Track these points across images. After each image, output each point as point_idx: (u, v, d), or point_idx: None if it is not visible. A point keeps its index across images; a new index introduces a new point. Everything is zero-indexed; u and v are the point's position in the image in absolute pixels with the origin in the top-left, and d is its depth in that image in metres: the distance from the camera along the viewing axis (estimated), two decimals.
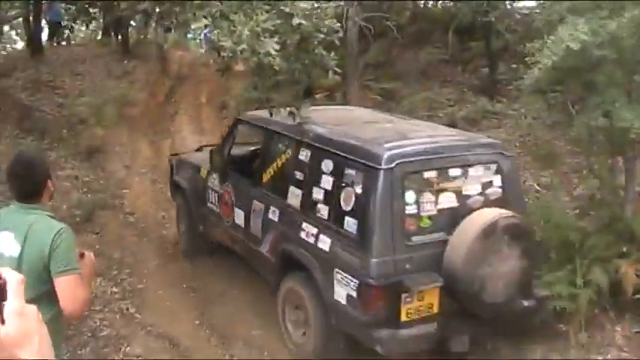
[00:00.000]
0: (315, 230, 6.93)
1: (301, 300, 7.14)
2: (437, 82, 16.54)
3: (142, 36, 22.45)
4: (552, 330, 7.77)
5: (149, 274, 9.55)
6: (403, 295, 6.15)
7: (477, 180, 6.76)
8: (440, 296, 6.35)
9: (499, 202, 6.74)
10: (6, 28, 25.08)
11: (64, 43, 22.02)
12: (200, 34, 21.94)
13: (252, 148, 9.13)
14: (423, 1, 21.83)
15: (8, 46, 24.98)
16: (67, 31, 20.30)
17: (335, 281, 6.52)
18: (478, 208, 6.56)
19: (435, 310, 6.37)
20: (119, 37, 19.96)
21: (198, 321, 8.37)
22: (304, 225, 7.08)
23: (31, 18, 18.22)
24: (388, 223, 6.27)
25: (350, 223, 6.52)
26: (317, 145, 7.20)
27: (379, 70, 16.83)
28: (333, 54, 6.00)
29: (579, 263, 7.89)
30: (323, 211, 6.92)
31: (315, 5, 5.67)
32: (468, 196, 6.68)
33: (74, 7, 7.71)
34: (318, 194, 7.01)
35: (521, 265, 6.49)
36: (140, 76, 17.53)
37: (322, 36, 5.67)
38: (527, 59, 7.66)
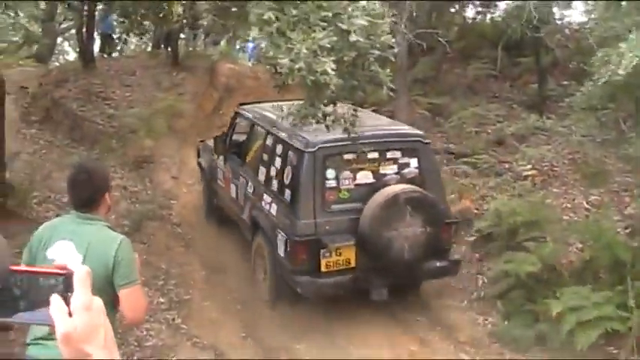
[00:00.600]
0: (269, 199, 8.78)
1: (263, 252, 8.91)
2: (485, 98, 16.44)
3: (190, 48, 22.68)
4: (603, 352, 7.63)
5: (195, 285, 9.62)
6: (322, 251, 7.90)
7: (394, 162, 8.42)
8: (356, 254, 8.00)
9: (415, 181, 8.31)
10: (59, 39, 25.56)
11: (115, 54, 22.34)
12: (249, 47, 22.16)
13: (244, 134, 10.59)
14: (471, 16, 21.65)
15: (61, 57, 25.44)
16: (119, 44, 20.62)
17: (278, 239, 8.30)
18: (393, 184, 8.17)
19: (353, 264, 8.04)
20: (169, 49, 20.15)
21: (244, 333, 8.39)
22: (264, 196, 8.95)
23: (83, 30, 18.49)
24: (310, 194, 8.09)
25: (287, 194, 8.39)
26: (274, 132, 9.11)
27: (427, 85, 16.79)
28: (388, 70, 6.00)
29: (631, 284, 7.75)
30: (274, 184, 8.81)
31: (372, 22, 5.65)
32: (385, 175, 8.35)
33: (128, 21, 7.85)
34: (273, 172, 8.91)
35: (426, 231, 7.94)
36: (189, 88, 17.68)
37: (377, 53, 5.67)
38: (584, 73, 7.65)
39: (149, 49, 24.06)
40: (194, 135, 14.26)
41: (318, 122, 7.32)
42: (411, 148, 8.53)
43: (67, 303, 1.26)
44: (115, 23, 20.58)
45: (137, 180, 13.07)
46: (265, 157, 9.26)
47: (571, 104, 11.67)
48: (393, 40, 5.99)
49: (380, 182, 8.25)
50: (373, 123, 9.11)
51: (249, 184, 9.58)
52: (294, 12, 5.37)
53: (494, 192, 12.14)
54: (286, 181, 8.45)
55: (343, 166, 8.23)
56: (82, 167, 4.26)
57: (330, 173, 8.18)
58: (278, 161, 8.81)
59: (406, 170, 8.43)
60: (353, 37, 5.36)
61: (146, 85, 17.75)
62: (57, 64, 23.88)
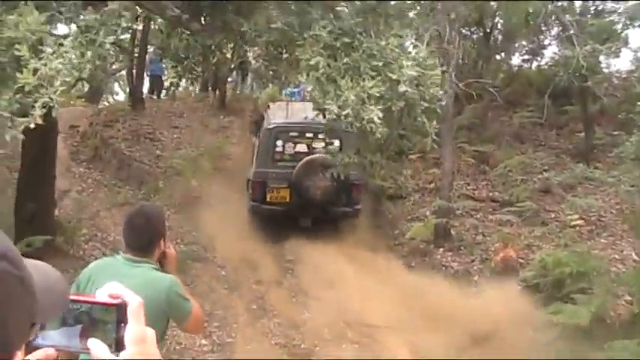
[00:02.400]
0: (251, 159, 13.83)
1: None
2: (531, 146, 16.32)
3: (237, 91, 22.95)
4: None
5: (238, 329, 9.62)
6: (267, 189, 12.64)
7: (322, 140, 12.72)
8: (290, 194, 12.56)
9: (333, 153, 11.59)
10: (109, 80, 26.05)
11: (163, 97, 22.71)
12: (295, 91, 22.31)
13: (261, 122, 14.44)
14: (517, 63, 21.63)
15: (111, 97, 25.94)
16: (169, 87, 21.00)
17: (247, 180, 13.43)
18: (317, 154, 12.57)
19: (287, 200, 12.59)
20: (216, 92, 20.44)
21: None
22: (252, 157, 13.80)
23: (133, 71, 18.89)
24: (264, 154, 12.97)
25: (255, 154, 13.45)
26: (263, 117, 14.15)
27: (473, 133, 16.72)
28: (434, 123, 6.01)
29: None
30: (254, 149, 13.79)
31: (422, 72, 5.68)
32: (315, 148, 12.86)
33: (180, 66, 8.06)
34: (256, 142, 13.87)
35: (332, 185, 12.05)
36: (236, 131, 17.90)
37: (426, 104, 5.68)
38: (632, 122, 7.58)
39: (196, 90, 24.39)
40: (240, 177, 14.38)
41: None
42: (336, 133, 11.27)
43: (121, 334, 1.26)
44: (164, 65, 20.98)
45: (183, 221, 13.17)
46: (257, 133, 14.11)
47: (620, 154, 11.55)
48: (441, 92, 5.99)
49: (310, 152, 12.79)
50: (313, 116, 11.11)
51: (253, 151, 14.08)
52: (345, 60, 5.43)
53: (539, 241, 12.01)
54: (256, 147, 13.60)
55: (288, 140, 13.03)
56: (141, 211, 4.27)
57: (279, 143, 13.01)
58: (259, 135, 13.73)
59: (330, 147, 12.33)
60: (402, 88, 5.39)
61: (194, 127, 18.01)
62: (106, 103, 24.38)
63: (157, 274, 4.09)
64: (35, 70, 4.68)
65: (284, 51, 6.35)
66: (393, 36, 5.68)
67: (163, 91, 22.97)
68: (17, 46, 4.71)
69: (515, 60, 21.66)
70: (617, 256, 11.29)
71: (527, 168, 14.99)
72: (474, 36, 18.98)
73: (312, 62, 5.32)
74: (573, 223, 12.40)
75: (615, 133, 15.11)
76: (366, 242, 12.35)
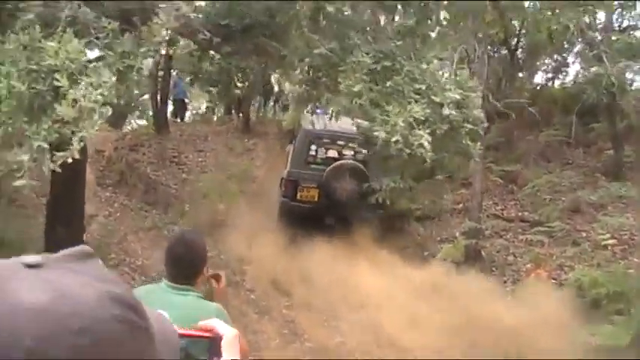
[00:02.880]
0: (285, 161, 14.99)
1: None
2: (558, 165, 16.17)
3: (260, 114, 23.02)
4: None
5: (270, 354, 9.53)
6: (298, 187, 13.68)
7: (352, 148, 13.91)
8: (319, 193, 13.57)
9: (361, 161, 13.49)
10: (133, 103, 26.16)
11: (187, 120, 22.80)
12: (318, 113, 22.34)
13: None
14: (540, 82, 21.55)
15: (133, 122, 26.02)
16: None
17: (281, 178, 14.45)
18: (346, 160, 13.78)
19: (316, 199, 13.59)
20: (240, 114, 20.49)
21: None
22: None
23: (158, 95, 18.97)
24: (298, 156, 14.07)
25: (290, 156, 14.48)
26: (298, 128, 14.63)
27: (499, 152, 16.60)
28: (478, 144, 5.94)
29: None
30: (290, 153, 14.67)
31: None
32: (345, 154, 14.02)
33: (216, 90, 8.08)
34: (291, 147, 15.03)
35: (357, 189, 13.09)
36: (260, 153, 17.91)
37: (469, 126, 5.60)
38: None
39: (219, 113, 24.49)
40: (266, 200, 14.35)
41: None
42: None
43: None
44: (186, 89, 21.07)
45: (210, 245, 13.03)
46: (293, 140, 15.07)
47: None
48: (483, 113, 5.91)
49: (340, 157, 13.93)
50: (347, 126, 11.62)
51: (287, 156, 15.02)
52: (388, 84, 5.37)
53: (571, 261, 11.85)
54: (291, 151, 14.56)
55: (321, 145, 14.13)
56: (183, 239, 4.18)
57: (313, 148, 14.15)
58: (294, 141, 14.68)
59: (357, 155, 13.79)
60: (446, 110, 5.32)
61: (218, 150, 18.04)
62: (129, 128, 24.47)
63: (204, 302, 4.01)
64: (74, 101, 4.65)
65: (324, 76, 6.29)
66: (434, 58, 5.63)
67: (187, 114, 23.06)
68: (56, 75, 4.69)
69: (538, 78, 21.59)
70: None
71: (555, 187, 14.85)
72: (497, 55, 18.90)
73: (355, 89, 5.26)
74: (605, 242, 12.21)
75: None
76: (396, 263, 12.24)
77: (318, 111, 22.27)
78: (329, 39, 5.76)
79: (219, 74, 7.74)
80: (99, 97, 4.72)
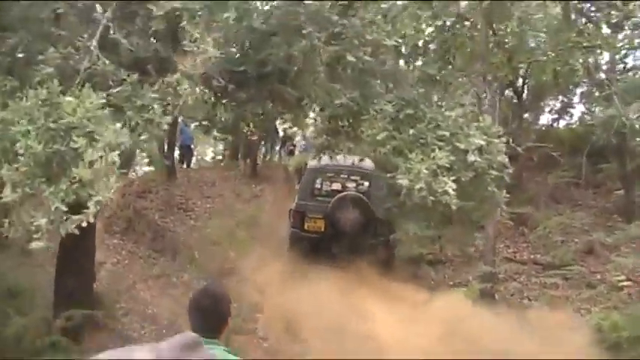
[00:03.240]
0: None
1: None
2: (568, 206, 16.08)
3: (267, 158, 23.02)
4: None
5: None
6: (305, 218, 14.19)
7: (354, 181, 14.50)
8: (325, 224, 13.93)
9: (364, 192, 14.09)
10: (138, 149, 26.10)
11: (193, 165, 22.77)
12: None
13: None
14: (545, 123, 21.58)
15: (139, 168, 25.98)
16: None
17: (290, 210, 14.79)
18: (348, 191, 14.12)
19: (322, 229, 13.98)
20: (247, 160, 20.49)
21: None
22: None
23: (165, 141, 18.97)
24: (304, 189, 14.73)
25: (297, 188, 15.60)
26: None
27: (509, 194, 16.46)
28: (504, 192, 5.86)
29: None
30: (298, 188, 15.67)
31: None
32: (347, 186, 14.40)
33: (232, 137, 8.08)
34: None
35: (361, 219, 13.46)
36: (268, 198, 17.85)
37: (495, 172, 5.53)
38: None
39: (225, 158, 24.48)
40: (276, 246, 14.25)
41: None
42: (366, 175, 14.23)
43: None
44: (192, 135, 21.08)
45: None
46: (300, 178, 16.33)
47: None
48: (507, 159, 5.83)
49: (343, 189, 14.38)
50: (349, 161, 13.13)
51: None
52: (411, 131, 5.32)
53: (587, 304, 11.69)
54: (299, 186, 15.67)
55: (325, 179, 14.73)
56: (209, 292, 4.10)
57: (318, 181, 14.75)
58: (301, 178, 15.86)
59: (360, 187, 14.41)
60: (471, 157, 5.25)
61: (226, 196, 17.96)
62: (134, 174, 24.42)
63: (230, 356, 3.94)
64: (91, 163, 4.58)
65: (346, 125, 6.22)
66: (457, 105, 5.58)
67: (193, 160, 23.04)
68: (74, 134, 4.63)
69: (543, 119, 21.63)
70: None
71: (567, 228, 14.77)
72: (503, 97, 18.92)
73: (379, 137, 5.21)
74: (621, 284, 12.08)
75: None
76: (410, 308, 12.07)
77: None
78: (350, 87, 5.70)
79: (235, 121, 7.69)
80: (116, 158, 4.65)
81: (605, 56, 16.81)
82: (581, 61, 15.31)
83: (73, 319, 9.88)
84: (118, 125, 4.80)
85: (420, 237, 12.65)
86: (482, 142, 5.37)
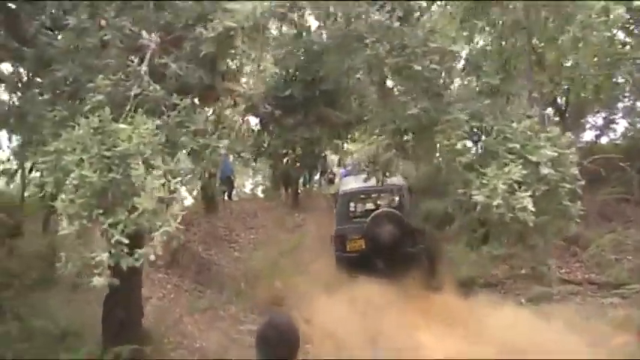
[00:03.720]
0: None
1: None
2: (620, 223, 15.66)
3: (307, 186, 22.90)
4: None
5: None
6: (346, 240, 15.03)
7: (385, 198, 16.11)
8: (365, 242, 14.77)
9: (396, 207, 15.42)
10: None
11: (234, 197, 22.68)
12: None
13: None
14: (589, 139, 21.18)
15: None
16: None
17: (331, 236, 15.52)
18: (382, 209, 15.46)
19: (363, 247, 14.78)
20: (288, 190, 20.38)
21: None
22: None
23: (206, 173, 18.92)
24: (341, 214, 15.81)
25: (335, 213, 16.27)
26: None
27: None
28: (579, 204, 5.61)
29: None
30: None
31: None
32: (380, 204, 16.19)
33: (281, 165, 7.97)
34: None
35: (396, 232, 14.43)
36: (311, 227, 17.69)
37: (568, 186, 5.29)
38: None
39: (266, 190, 24.41)
40: (323, 275, 14.03)
41: None
42: (395, 190, 15.37)
43: None
44: (232, 167, 21.01)
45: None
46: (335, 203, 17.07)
47: None
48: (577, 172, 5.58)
49: (376, 208, 15.98)
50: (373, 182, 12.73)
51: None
52: (480, 144, 5.11)
53: None
54: (335, 211, 16.34)
55: (359, 201, 16.80)
56: (273, 324, 3.94)
57: (352, 204, 16.53)
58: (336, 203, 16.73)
59: (392, 203, 15.84)
60: (544, 170, 5.02)
61: (268, 227, 17.84)
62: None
63: None
64: (151, 191, 4.43)
65: (415, 137, 6.01)
66: (523, 116, 5.37)
67: (234, 192, 22.96)
68: (133, 165, 4.48)
69: (587, 136, 21.24)
70: None
71: (620, 246, 14.37)
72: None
73: (458, 146, 5.02)
74: None
75: None
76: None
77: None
78: (415, 100, 5.51)
79: (284, 147, 7.54)
80: (178, 186, 4.50)
81: None
82: (625, 75, 15.03)
83: (122, 355, 9.73)
84: (180, 153, 4.66)
85: (472, 259, 12.33)
86: (554, 154, 5.14)
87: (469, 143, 5.18)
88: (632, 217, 16.07)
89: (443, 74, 5.53)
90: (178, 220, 4.52)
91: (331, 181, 24.29)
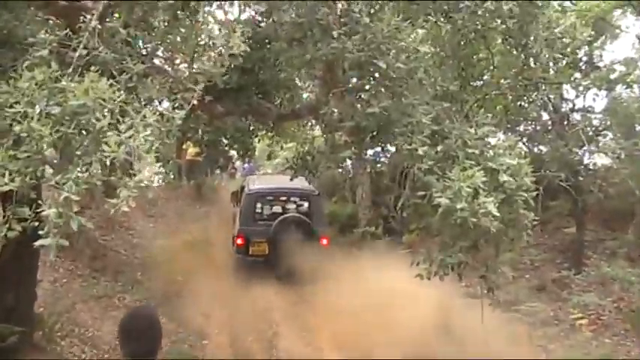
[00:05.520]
0: (233, 218, 16.53)
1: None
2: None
3: (207, 177, 22.61)
4: None
5: None
6: (249, 242, 14.56)
7: (294, 202, 15.58)
8: (268, 247, 14.45)
9: (305, 213, 15.08)
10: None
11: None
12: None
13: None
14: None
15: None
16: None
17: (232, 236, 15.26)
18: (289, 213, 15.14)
19: (266, 252, 14.46)
20: (191, 182, 20.00)
21: None
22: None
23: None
24: (246, 214, 15.09)
25: (238, 213, 15.48)
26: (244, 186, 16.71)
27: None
28: (532, 214, 5.58)
29: None
30: (237, 210, 16.13)
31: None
32: (288, 208, 15.44)
33: (214, 151, 7.66)
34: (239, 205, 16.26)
35: (301, 236, 14.11)
36: (213, 220, 17.41)
37: (525, 195, 5.24)
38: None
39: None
40: (223, 269, 13.78)
41: None
42: (305, 195, 15.33)
43: None
44: None
45: (165, 316, 12.14)
46: (237, 201, 16.46)
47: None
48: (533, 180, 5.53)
49: (284, 212, 15.31)
50: (286, 181, 12.08)
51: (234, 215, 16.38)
52: (439, 147, 5.00)
53: (546, 342, 11.58)
54: (238, 211, 15.64)
55: (265, 202, 15.64)
56: (138, 316, 4.03)
57: (258, 205, 15.51)
58: (239, 202, 16.03)
59: (300, 208, 15.46)
60: (503, 177, 4.95)
61: (169, 217, 17.42)
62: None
63: None
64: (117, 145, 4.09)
65: (373, 138, 5.80)
66: (480, 123, 5.30)
67: None
68: (89, 116, 4.13)
69: None
70: None
71: (516, 265, 14.70)
72: None
73: (420, 152, 4.86)
74: (578, 322, 12.07)
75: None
76: None
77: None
78: (384, 99, 5.32)
79: (215, 134, 7.26)
80: (150, 138, 4.17)
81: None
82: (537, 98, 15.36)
83: (6, 336, 9.09)
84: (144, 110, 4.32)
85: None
86: (514, 162, 5.09)
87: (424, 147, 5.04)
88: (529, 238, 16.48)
89: (406, 75, 5.39)
90: (147, 174, 4.19)
91: (232, 176, 23.99)
